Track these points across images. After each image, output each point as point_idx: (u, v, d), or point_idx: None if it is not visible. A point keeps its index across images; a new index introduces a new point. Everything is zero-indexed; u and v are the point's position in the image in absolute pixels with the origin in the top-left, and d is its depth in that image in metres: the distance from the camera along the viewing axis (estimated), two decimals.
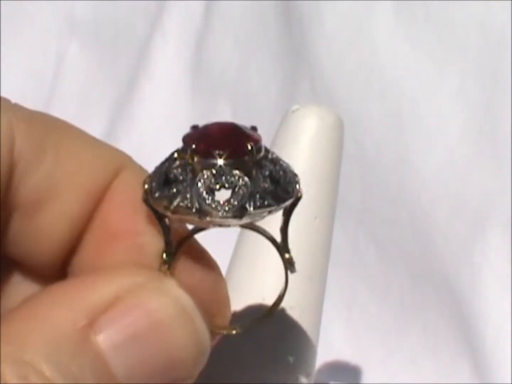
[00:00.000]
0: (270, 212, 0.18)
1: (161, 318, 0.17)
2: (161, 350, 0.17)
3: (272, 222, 0.19)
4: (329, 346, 0.45)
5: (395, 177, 0.45)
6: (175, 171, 0.18)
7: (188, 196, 0.17)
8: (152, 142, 0.54)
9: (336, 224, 0.28)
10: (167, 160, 0.18)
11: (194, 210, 0.17)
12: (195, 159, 0.18)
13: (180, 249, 0.19)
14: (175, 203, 0.17)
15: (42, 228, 0.19)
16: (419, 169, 0.45)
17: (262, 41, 0.52)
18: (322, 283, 0.26)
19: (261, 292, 0.25)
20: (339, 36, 0.48)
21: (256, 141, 0.18)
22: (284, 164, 0.19)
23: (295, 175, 0.19)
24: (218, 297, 0.19)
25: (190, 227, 0.19)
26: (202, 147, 0.18)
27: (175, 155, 0.18)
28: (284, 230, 0.19)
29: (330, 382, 0.44)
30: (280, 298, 0.20)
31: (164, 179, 0.18)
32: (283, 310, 0.24)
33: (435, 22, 0.45)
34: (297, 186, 0.19)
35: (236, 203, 0.17)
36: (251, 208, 0.18)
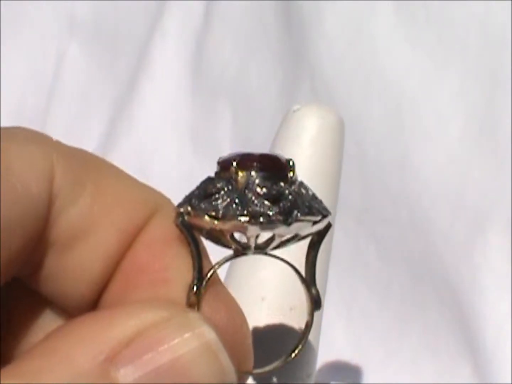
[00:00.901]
0: (314, 224, 0.18)
1: (184, 354, 0.16)
2: None
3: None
4: (330, 346, 0.45)
5: (395, 177, 0.45)
6: (217, 185, 0.18)
7: (236, 201, 0.17)
8: (152, 142, 0.54)
9: (337, 224, 0.28)
10: (201, 184, 0.18)
11: (245, 212, 0.17)
12: (240, 173, 0.18)
13: (207, 284, 0.18)
14: (223, 208, 0.17)
15: (77, 265, 0.19)
16: (419, 169, 0.45)
17: (262, 41, 0.52)
18: (323, 283, 0.26)
19: (261, 291, 0.25)
20: (339, 36, 0.48)
21: (291, 161, 0.18)
22: (314, 192, 0.19)
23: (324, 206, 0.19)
24: (242, 341, 0.19)
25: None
26: (245, 162, 0.18)
27: (211, 178, 0.18)
28: (311, 264, 0.19)
29: (331, 382, 0.44)
30: (305, 337, 0.19)
31: (205, 194, 0.18)
32: (283, 311, 0.24)
33: (435, 22, 0.45)
34: (330, 214, 0.18)
35: (285, 207, 0.17)
36: (299, 214, 0.17)
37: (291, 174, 0.18)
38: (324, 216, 0.18)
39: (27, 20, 0.59)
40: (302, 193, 0.18)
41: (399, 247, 0.45)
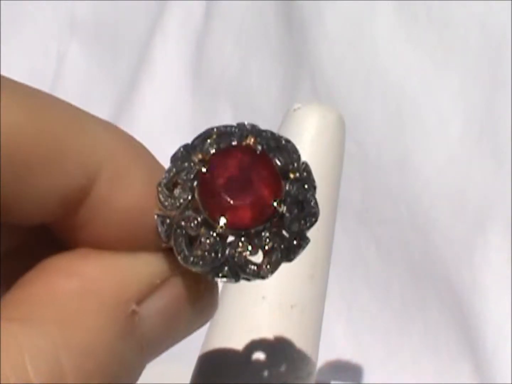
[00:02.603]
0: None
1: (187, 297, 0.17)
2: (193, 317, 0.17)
3: None
4: (330, 346, 0.45)
5: (395, 177, 0.46)
6: (202, 239, 0.17)
7: (226, 269, 0.17)
8: (153, 142, 0.53)
9: (337, 224, 0.28)
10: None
11: (220, 275, 0.17)
12: (229, 235, 0.17)
13: None
14: (218, 277, 0.17)
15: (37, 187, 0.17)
16: (419, 169, 0.45)
17: (262, 41, 0.52)
18: (324, 282, 0.26)
19: (261, 290, 0.25)
20: (339, 36, 0.48)
21: (279, 189, 0.17)
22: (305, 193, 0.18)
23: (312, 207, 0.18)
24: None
25: None
26: (229, 219, 0.17)
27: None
28: None
29: (331, 382, 0.44)
30: None
31: (188, 241, 0.17)
32: (284, 309, 0.24)
33: (436, 22, 0.45)
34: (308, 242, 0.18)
35: (273, 259, 0.17)
36: (292, 256, 0.17)
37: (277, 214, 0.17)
38: (298, 248, 0.17)
39: (27, 20, 0.59)
40: (290, 220, 0.17)
41: (400, 247, 0.46)
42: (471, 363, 0.43)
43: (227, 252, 0.17)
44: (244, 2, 0.53)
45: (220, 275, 0.17)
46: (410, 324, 0.45)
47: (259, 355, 0.25)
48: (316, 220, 0.18)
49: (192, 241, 0.17)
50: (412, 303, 0.45)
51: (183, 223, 0.17)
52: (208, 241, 0.17)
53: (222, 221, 0.16)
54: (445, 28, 0.45)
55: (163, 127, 0.54)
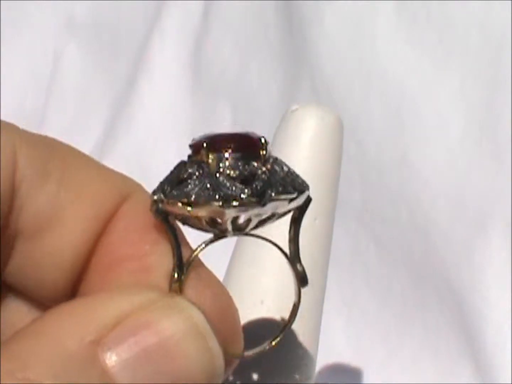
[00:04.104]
0: (290, 201, 0.18)
1: (172, 336, 0.16)
2: (172, 369, 0.16)
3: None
4: (329, 347, 0.45)
5: (395, 177, 0.46)
6: (189, 170, 0.18)
7: (208, 186, 0.17)
8: (152, 143, 0.54)
9: (336, 224, 0.28)
10: (174, 169, 0.18)
11: (217, 196, 0.17)
12: (210, 155, 0.17)
13: (189, 269, 0.18)
14: (195, 194, 0.17)
15: (46, 255, 0.18)
16: (419, 169, 0.45)
17: (262, 41, 0.52)
18: (322, 287, 0.26)
19: (260, 294, 0.25)
20: (339, 36, 0.48)
21: (263, 138, 0.18)
22: (290, 167, 0.18)
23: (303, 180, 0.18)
24: (230, 323, 0.18)
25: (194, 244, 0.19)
26: (215, 143, 0.18)
27: (184, 163, 0.18)
28: (294, 239, 0.19)
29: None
30: (292, 316, 0.19)
31: (177, 181, 0.18)
32: (283, 313, 0.24)
33: (436, 22, 0.45)
34: (307, 188, 0.18)
35: (258, 187, 0.17)
36: (273, 193, 0.17)
37: (263, 152, 0.18)
38: (301, 192, 0.18)
39: (26, 20, 0.59)
40: (276, 170, 0.18)
41: (399, 247, 0.46)
42: (471, 363, 0.43)
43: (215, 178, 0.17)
44: (243, 1, 0.53)
45: (216, 203, 0.17)
46: (410, 324, 0.45)
47: (258, 358, 0.25)
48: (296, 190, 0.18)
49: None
50: (412, 303, 0.45)
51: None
52: (197, 172, 0.17)
53: (205, 146, 0.17)
54: (445, 28, 0.45)
55: (162, 127, 0.54)
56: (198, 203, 0.17)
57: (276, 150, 0.26)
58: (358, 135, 0.46)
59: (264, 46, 0.52)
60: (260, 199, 0.17)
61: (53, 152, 0.19)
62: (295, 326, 0.25)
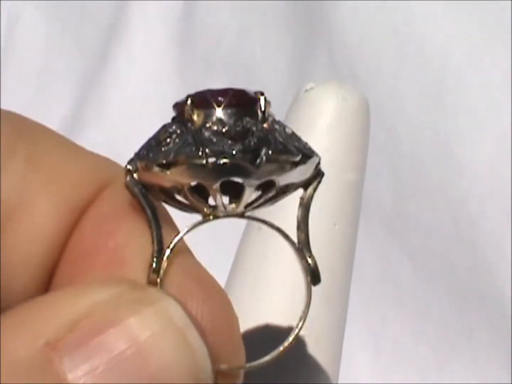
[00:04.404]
0: (293, 167, 0.18)
1: (143, 336, 0.17)
2: (146, 373, 0.16)
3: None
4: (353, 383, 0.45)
5: (435, 173, 0.46)
6: (170, 129, 0.18)
7: (191, 141, 0.17)
8: (129, 128, 0.54)
9: (361, 232, 0.28)
10: (154, 133, 0.18)
11: (200, 153, 0.17)
12: (196, 111, 0.18)
13: (171, 257, 0.18)
14: (174, 152, 0.17)
15: (12, 247, 0.19)
16: (465, 163, 0.45)
17: (267, 3, 0.52)
18: (343, 304, 0.27)
19: (266, 309, 0.25)
20: None
21: (263, 94, 0.18)
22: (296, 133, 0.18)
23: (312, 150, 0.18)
24: (226, 329, 0.19)
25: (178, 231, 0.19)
26: (203, 99, 0.18)
27: (165, 125, 0.18)
28: (304, 227, 0.19)
29: None
30: (300, 325, 0.19)
31: (157, 141, 0.18)
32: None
33: None
34: (318, 160, 0.18)
35: (252, 143, 0.17)
36: (270, 151, 0.17)
37: (262, 110, 0.18)
38: (307, 156, 0.18)
39: None
40: (276, 129, 0.18)
41: (440, 261, 0.46)
42: None
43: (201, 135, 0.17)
44: None
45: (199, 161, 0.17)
46: (454, 358, 0.45)
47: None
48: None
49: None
50: (455, 332, 0.46)
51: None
52: (178, 130, 0.18)
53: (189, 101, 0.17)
54: None
55: (141, 110, 0.54)
56: (177, 163, 0.17)
57: None
58: (389, 120, 0.47)
59: (269, 9, 0.52)
60: (254, 157, 0.17)
61: (20, 128, 0.19)
62: (309, 359, 0.25)
